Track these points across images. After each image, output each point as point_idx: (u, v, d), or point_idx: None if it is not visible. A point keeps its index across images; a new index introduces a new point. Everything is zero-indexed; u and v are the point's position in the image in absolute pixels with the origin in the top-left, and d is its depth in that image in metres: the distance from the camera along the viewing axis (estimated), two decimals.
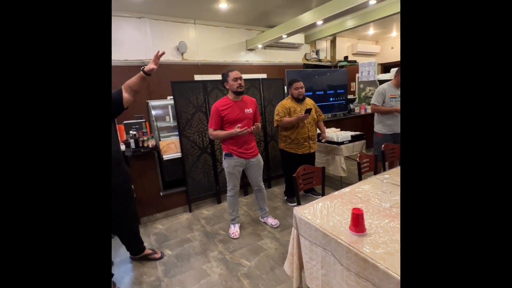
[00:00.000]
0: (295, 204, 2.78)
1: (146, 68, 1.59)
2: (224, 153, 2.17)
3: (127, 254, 2.02)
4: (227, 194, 2.28)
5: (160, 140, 2.78)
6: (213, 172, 2.91)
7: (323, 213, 1.28)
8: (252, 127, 2.06)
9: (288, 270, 1.40)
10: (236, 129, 1.99)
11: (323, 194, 1.71)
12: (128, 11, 3.81)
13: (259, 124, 2.10)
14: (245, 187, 3.12)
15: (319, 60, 6.21)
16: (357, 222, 1.07)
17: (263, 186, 2.38)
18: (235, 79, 2.03)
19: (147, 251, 2.03)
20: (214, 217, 2.67)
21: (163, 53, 1.62)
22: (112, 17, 3.78)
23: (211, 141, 2.86)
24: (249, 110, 2.13)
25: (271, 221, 2.42)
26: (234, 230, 2.29)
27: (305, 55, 6.00)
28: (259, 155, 2.27)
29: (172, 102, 3.11)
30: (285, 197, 2.93)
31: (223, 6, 3.88)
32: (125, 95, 1.60)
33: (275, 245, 2.11)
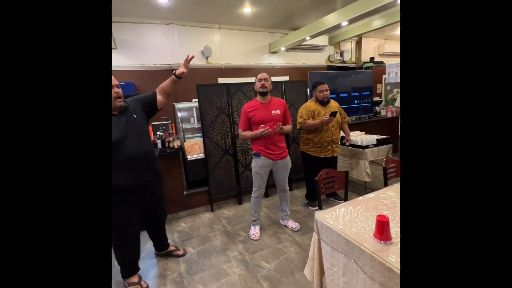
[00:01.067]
0: (316, 208, 2.73)
1: (177, 71, 1.71)
2: (253, 152, 2.22)
3: (153, 249, 2.11)
4: (252, 195, 2.30)
5: (185, 141, 2.88)
6: (234, 173, 2.95)
7: (345, 218, 1.25)
8: (274, 128, 2.08)
9: (308, 275, 1.38)
10: (259, 130, 2.02)
11: (346, 199, 1.67)
12: (158, 18, 4.00)
13: (282, 125, 2.11)
14: (266, 189, 3.13)
15: (344, 62, 6.06)
16: (382, 229, 1.03)
17: (288, 188, 2.38)
18: (259, 80, 2.10)
19: (171, 248, 2.11)
20: (235, 218, 2.70)
21: (193, 57, 1.73)
22: (143, 24, 4.00)
23: (234, 143, 2.91)
24: (276, 112, 2.15)
25: (292, 224, 2.40)
26: (255, 231, 2.31)
27: (329, 56, 5.89)
28: (288, 157, 2.28)
29: (196, 104, 3.21)
30: (306, 201, 2.90)
31: (247, 10, 3.95)
32: (159, 97, 1.74)
33: (295, 249, 2.09)
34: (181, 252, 2.10)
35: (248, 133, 2.15)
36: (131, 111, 1.63)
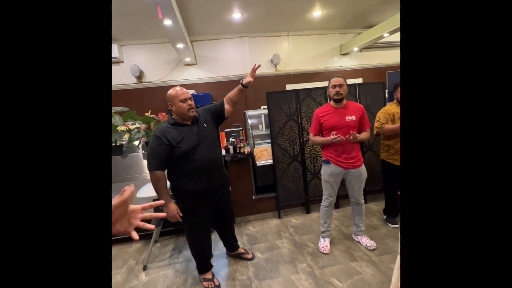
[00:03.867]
0: (397, 226, 2.39)
1: (244, 81, 1.77)
2: (322, 159, 2.12)
3: (225, 249, 2.23)
4: (321, 204, 2.19)
5: (254, 147, 2.98)
6: (302, 181, 2.88)
7: None
8: (347, 136, 1.92)
9: None
10: (330, 136, 1.91)
11: None
12: (232, 33, 4.33)
13: (356, 133, 1.92)
14: (337, 199, 2.92)
15: None
16: None
17: (362, 201, 2.15)
18: (334, 86, 1.97)
19: (240, 250, 2.19)
20: (303, 227, 2.62)
21: (259, 66, 1.78)
22: (219, 40, 4.39)
23: (302, 150, 2.84)
24: (351, 118, 1.99)
25: (366, 241, 2.16)
26: (324, 244, 2.17)
27: None
28: (363, 166, 2.07)
29: (264, 111, 3.29)
30: (384, 216, 2.57)
31: (317, 14, 3.86)
32: (226, 106, 1.83)
33: (372, 270, 1.86)
34: (249, 256, 2.15)
35: (318, 139, 2.06)
36: (202, 120, 1.76)
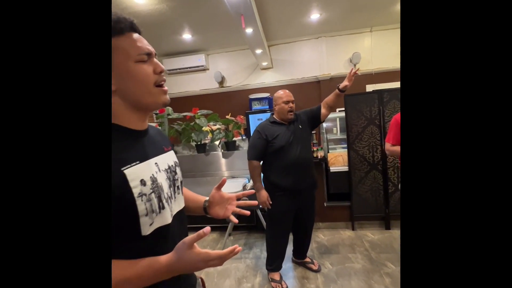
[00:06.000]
0: None
1: (341, 85, 1.79)
2: None
3: (291, 252, 2.21)
4: None
5: (328, 152, 2.86)
6: (382, 193, 2.59)
7: None
8: None
9: None
10: None
11: None
12: (308, 34, 4.27)
13: None
14: None
15: None
16: None
17: None
18: None
19: (307, 259, 2.13)
20: (381, 244, 2.35)
21: (358, 70, 1.78)
22: (295, 43, 4.40)
23: (384, 157, 2.55)
24: None
25: None
26: None
27: None
28: None
29: (340, 114, 3.11)
30: None
31: None
32: (323, 110, 1.89)
33: None
34: (315, 267, 2.06)
35: (398, 149, 1.76)
36: (299, 122, 1.86)
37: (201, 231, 0.50)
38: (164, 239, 0.58)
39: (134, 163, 0.55)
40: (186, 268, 0.53)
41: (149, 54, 0.58)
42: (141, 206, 0.53)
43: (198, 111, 2.71)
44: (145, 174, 0.56)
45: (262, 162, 1.86)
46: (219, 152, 2.82)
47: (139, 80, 0.56)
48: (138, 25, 0.59)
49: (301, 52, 4.44)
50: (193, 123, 2.68)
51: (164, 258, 0.53)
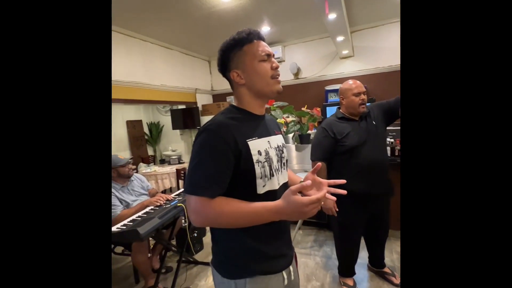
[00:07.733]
0: None
1: None
2: None
3: (367, 259, 2.02)
4: None
5: None
6: None
7: None
8: None
9: None
10: None
11: None
12: (397, 16, 3.69)
13: None
14: None
15: None
16: None
17: None
18: None
19: (386, 270, 1.90)
20: None
21: None
22: (381, 27, 3.89)
23: None
24: None
25: None
26: None
27: None
28: None
29: None
30: None
31: None
32: None
33: None
34: (396, 281, 1.82)
35: None
36: (372, 117, 1.62)
37: (304, 182, 0.63)
38: (273, 200, 0.70)
39: (255, 138, 0.75)
40: (292, 211, 0.63)
41: (269, 55, 0.77)
42: (257, 170, 0.72)
43: (274, 103, 2.73)
44: (261, 147, 0.75)
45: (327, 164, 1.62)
46: (292, 145, 2.79)
47: (261, 75, 0.75)
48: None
49: (388, 37, 3.90)
50: (269, 114, 2.73)
51: (274, 202, 0.67)
